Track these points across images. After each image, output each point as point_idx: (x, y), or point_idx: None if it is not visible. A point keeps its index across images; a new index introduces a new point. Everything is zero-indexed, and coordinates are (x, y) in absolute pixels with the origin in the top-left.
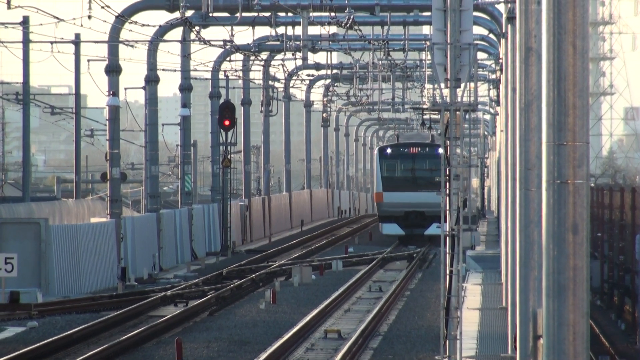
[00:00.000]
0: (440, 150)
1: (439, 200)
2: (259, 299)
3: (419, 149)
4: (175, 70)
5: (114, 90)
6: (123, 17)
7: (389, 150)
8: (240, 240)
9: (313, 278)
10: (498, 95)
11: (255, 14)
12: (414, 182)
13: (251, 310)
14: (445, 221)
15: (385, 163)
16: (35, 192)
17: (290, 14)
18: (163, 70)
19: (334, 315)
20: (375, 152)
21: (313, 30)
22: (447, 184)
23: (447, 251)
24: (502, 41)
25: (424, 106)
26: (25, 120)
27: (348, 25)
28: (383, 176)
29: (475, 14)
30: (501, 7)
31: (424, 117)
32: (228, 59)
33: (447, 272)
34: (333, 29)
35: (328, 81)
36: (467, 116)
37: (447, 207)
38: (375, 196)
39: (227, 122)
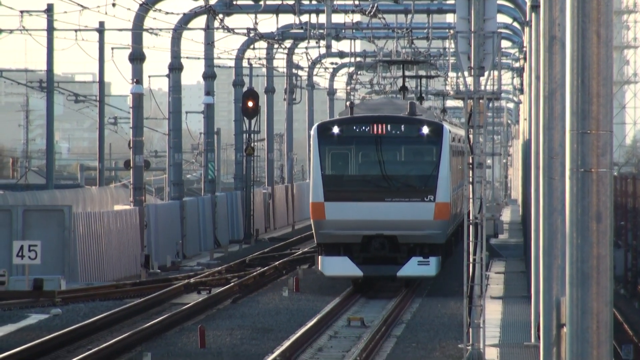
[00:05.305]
0: (425, 130)
1: (421, 217)
2: (282, 287)
3: (389, 128)
4: (199, 58)
5: (137, 78)
6: (147, 5)
7: (335, 130)
8: (264, 228)
9: None
10: (522, 84)
11: (279, 2)
12: (379, 186)
13: (274, 298)
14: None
15: (330, 152)
16: (58, 179)
17: (314, 2)
18: (187, 58)
19: (357, 302)
20: (313, 132)
21: (337, 18)
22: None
23: (470, 239)
24: (526, 29)
25: (449, 94)
26: (49, 108)
27: (372, 13)
28: (325, 175)
29: (499, 2)
30: None
31: (405, 75)
32: (252, 47)
33: (470, 260)
34: (357, 17)
35: (351, 69)
36: (490, 104)
37: (470, 197)
38: (311, 210)
39: (250, 103)
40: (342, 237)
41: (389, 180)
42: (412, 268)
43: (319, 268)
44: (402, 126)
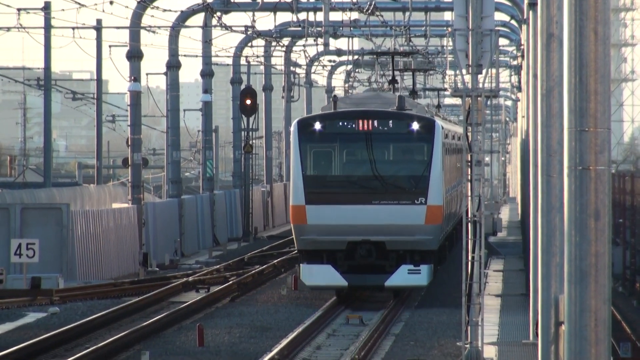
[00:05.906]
0: (416, 126)
1: (412, 222)
2: (280, 285)
3: (375, 124)
4: (196, 56)
5: (135, 76)
6: (145, 3)
7: (317, 126)
8: (262, 226)
9: None
10: (519, 82)
11: (277, 0)
12: (365, 188)
13: (273, 296)
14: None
15: (312, 150)
16: (56, 177)
17: (311, 0)
18: (184, 56)
19: (355, 300)
20: (293, 128)
21: (334, 16)
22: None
23: (469, 237)
24: (524, 27)
25: (447, 92)
26: (46, 106)
27: (369, 11)
28: (306, 176)
29: (497, 0)
30: None
31: (396, 69)
32: (249, 44)
33: (469, 258)
34: (354, 15)
35: (349, 67)
36: (488, 102)
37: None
38: (291, 213)
39: (248, 101)
40: (324, 243)
41: (376, 181)
42: (402, 277)
43: (300, 277)
44: (390, 122)
